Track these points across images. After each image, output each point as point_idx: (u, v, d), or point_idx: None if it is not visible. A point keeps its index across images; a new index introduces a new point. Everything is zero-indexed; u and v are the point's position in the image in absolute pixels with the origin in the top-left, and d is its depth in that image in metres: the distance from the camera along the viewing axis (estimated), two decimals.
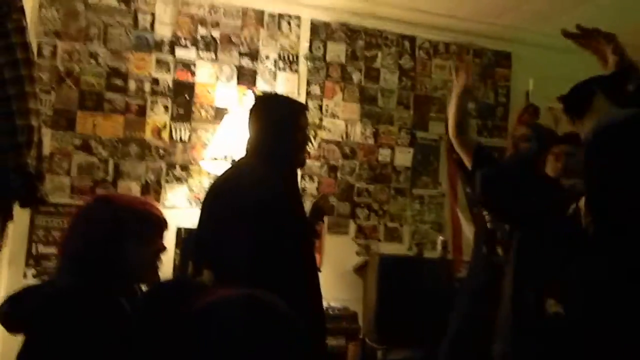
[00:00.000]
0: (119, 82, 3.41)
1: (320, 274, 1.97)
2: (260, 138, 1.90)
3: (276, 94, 2.54)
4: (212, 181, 1.98)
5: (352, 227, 3.77)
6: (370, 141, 3.84)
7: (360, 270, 3.64)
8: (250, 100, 3.54)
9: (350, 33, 3.86)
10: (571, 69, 4.09)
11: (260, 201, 1.71)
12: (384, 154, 3.86)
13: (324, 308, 2.30)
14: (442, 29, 4.00)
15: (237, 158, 2.84)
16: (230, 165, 2.04)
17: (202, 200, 2.00)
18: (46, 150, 3.26)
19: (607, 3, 3.61)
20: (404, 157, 3.86)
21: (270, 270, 1.60)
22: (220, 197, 1.79)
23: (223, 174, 1.95)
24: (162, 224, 1.42)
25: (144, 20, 3.48)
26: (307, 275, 1.83)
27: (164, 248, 1.42)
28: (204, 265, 1.70)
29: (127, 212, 1.35)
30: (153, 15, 3.49)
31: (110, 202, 1.40)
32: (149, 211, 1.39)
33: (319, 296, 1.89)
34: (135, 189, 3.38)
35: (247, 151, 1.95)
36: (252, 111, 2.00)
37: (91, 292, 1.26)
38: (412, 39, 3.98)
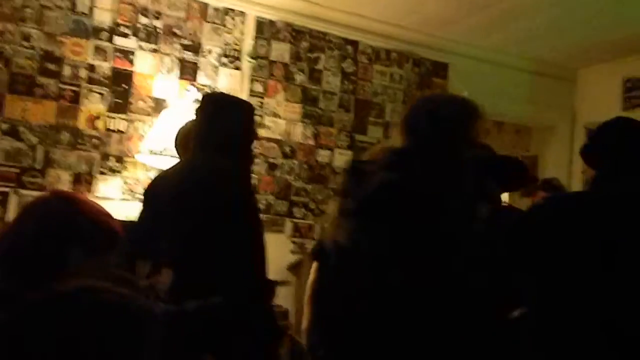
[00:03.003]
0: (52, 66, 3.27)
1: None
2: (225, 134, 1.92)
3: (227, 94, 2.60)
4: (170, 175, 1.96)
5: (289, 225, 3.79)
6: (311, 142, 3.88)
7: (295, 268, 3.67)
8: (195, 95, 3.50)
9: (295, 33, 3.89)
10: (503, 82, 4.32)
11: (234, 199, 1.73)
12: (323, 155, 3.91)
13: None
14: (385, 37, 4.10)
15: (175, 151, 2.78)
16: (189, 160, 2.02)
17: (143, 193, 1.97)
18: None
19: (543, 21, 3.82)
20: (342, 159, 3.92)
21: (229, 267, 1.62)
22: (191, 195, 1.78)
23: (182, 168, 1.95)
24: (115, 242, 1.35)
25: (82, 4, 3.36)
26: (259, 273, 1.88)
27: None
28: (163, 265, 1.66)
29: (85, 219, 1.27)
30: None
31: (70, 202, 1.30)
32: (108, 224, 1.32)
33: (270, 295, 1.94)
34: (65, 178, 3.25)
35: (207, 145, 1.93)
36: (212, 106, 2.01)
37: (10, 294, 1.17)
38: (355, 44, 4.06)
